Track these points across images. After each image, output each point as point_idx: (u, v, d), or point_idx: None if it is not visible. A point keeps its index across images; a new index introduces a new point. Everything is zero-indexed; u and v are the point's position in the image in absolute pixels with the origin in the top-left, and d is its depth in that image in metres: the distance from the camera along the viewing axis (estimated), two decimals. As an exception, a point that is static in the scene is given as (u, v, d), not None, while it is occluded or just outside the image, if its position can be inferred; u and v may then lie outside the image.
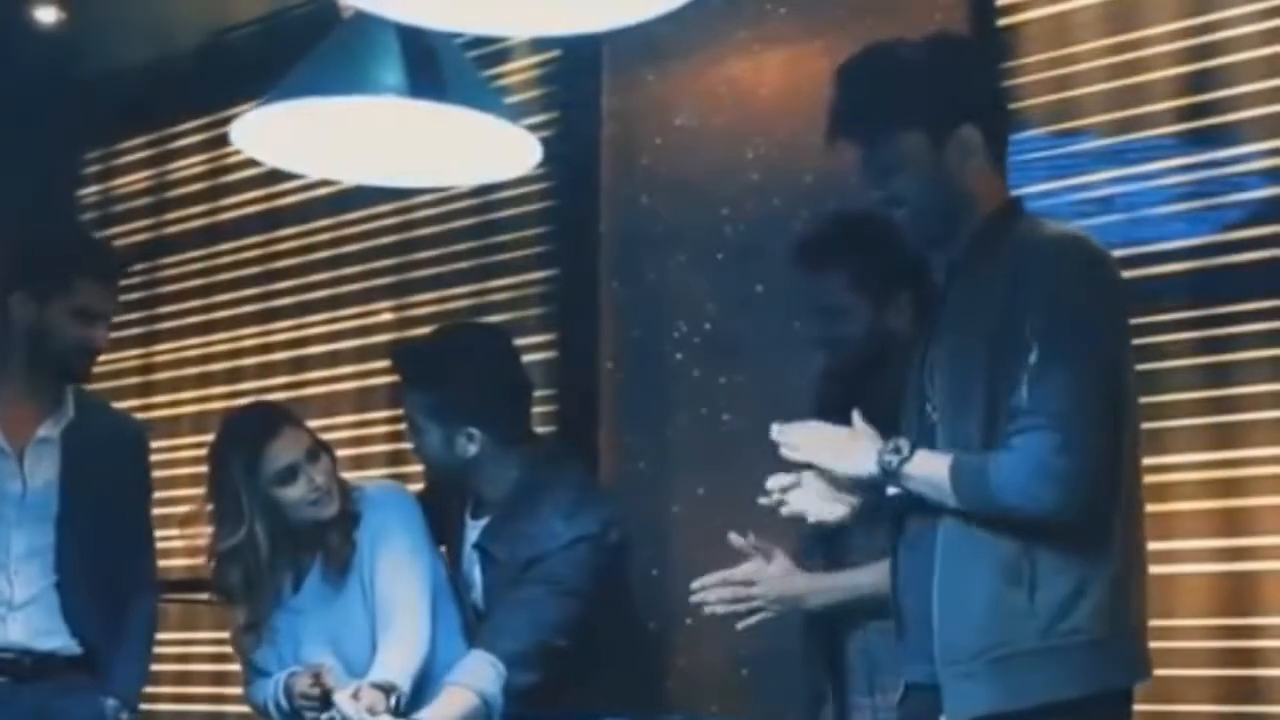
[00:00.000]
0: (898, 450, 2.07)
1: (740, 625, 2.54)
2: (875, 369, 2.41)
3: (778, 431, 2.16)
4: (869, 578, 2.40)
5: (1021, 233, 2.10)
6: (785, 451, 2.16)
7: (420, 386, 2.80)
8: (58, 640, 2.96)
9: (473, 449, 2.75)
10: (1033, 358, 1.99)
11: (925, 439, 2.10)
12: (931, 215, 2.14)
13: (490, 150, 2.76)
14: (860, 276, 2.49)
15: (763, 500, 2.23)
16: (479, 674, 2.60)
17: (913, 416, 2.15)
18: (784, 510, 2.21)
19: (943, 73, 2.13)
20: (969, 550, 2.04)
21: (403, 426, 2.98)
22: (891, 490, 2.11)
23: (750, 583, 2.52)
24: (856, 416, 2.14)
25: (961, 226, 2.13)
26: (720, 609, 2.54)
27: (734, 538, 2.54)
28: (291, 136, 2.71)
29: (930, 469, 2.05)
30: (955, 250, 2.15)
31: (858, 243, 2.42)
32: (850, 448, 2.12)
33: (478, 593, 2.84)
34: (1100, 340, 2.03)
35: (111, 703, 2.99)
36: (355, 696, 2.59)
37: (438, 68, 2.34)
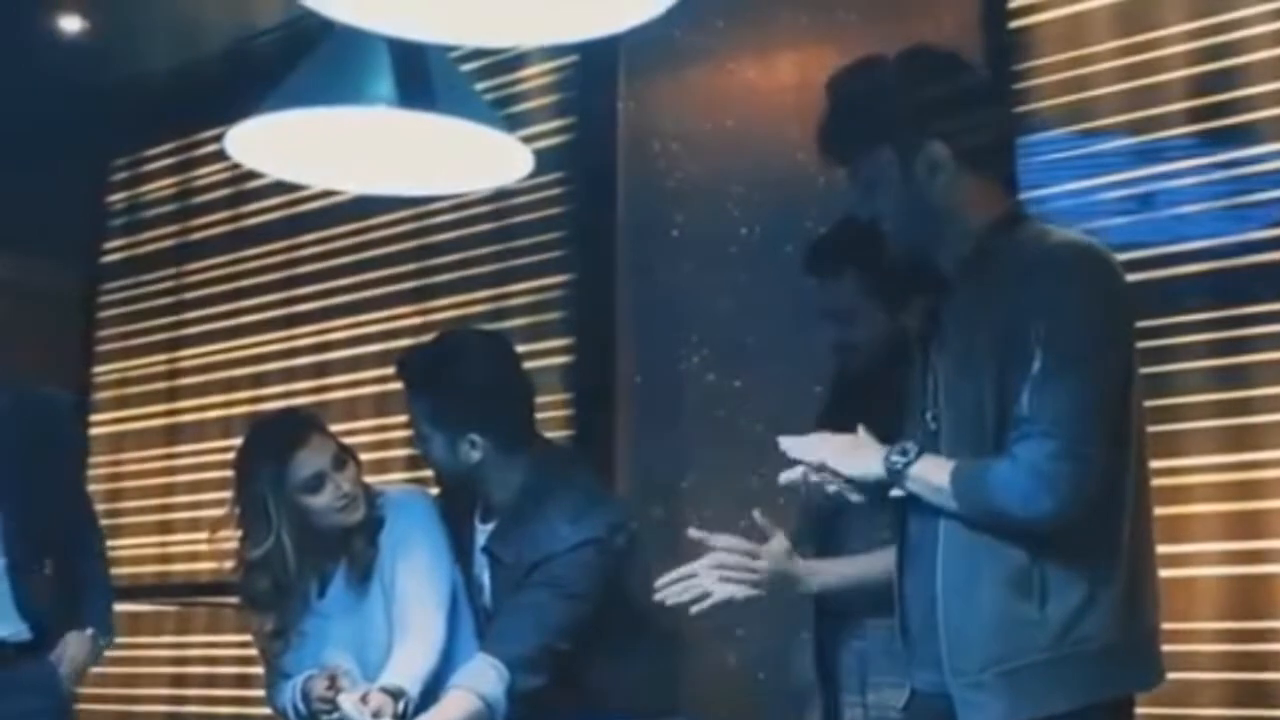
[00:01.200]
0: (904, 452, 2.08)
1: (740, 596, 2.47)
2: (886, 373, 2.41)
3: (787, 444, 2.17)
4: (869, 565, 2.38)
5: (1024, 241, 2.09)
6: (794, 455, 2.17)
7: (421, 393, 2.82)
8: (8, 627, 2.96)
9: (476, 454, 2.76)
10: (1035, 366, 1.99)
11: (927, 446, 2.10)
12: (909, 229, 2.14)
13: (482, 159, 2.78)
14: (871, 281, 2.49)
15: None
16: (481, 677, 2.60)
17: (914, 423, 2.15)
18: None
19: (911, 89, 2.13)
20: (975, 560, 2.03)
21: (422, 431, 3.00)
22: (895, 492, 2.11)
23: (754, 554, 2.49)
24: (861, 429, 2.16)
25: (950, 237, 2.13)
26: (718, 589, 2.46)
27: (692, 532, 2.52)
28: (284, 146, 2.74)
29: (933, 473, 2.05)
30: (951, 260, 2.15)
31: (869, 247, 2.42)
32: (857, 452, 2.14)
33: (486, 596, 2.86)
34: (1102, 347, 2.02)
35: (89, 632, 3.04)
36: (363, 700, 2.60)
37: (427, 78, 2.35)
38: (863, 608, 2.44)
